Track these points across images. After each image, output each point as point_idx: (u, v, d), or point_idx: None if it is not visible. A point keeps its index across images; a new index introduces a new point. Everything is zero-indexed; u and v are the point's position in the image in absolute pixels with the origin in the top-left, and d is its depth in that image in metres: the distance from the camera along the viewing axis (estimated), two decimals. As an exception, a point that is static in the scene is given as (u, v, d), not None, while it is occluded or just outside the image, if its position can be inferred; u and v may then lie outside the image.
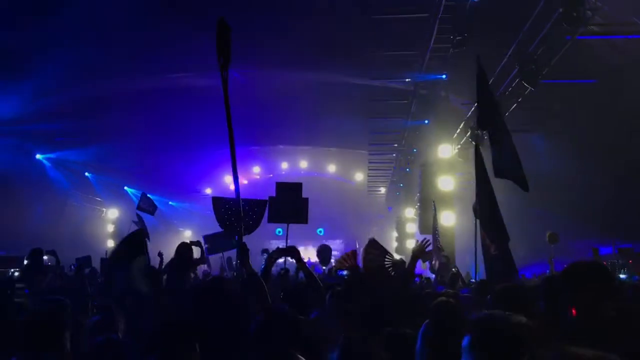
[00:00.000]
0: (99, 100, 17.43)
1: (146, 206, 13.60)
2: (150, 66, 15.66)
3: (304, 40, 14.19)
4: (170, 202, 31.30)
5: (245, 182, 29.74)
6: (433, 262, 12.08)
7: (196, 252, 8.02)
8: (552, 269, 11.74)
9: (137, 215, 13.51)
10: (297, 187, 8.10)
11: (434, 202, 12.79)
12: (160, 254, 8.71)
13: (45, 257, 9.06)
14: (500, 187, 6.30)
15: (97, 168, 24.77)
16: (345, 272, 8.98)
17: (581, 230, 14.27)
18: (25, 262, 8.58)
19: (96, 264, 12.35)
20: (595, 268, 3.01)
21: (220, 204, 7.14)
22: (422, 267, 15.72)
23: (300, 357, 2.70)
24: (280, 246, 5.72)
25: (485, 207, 5.78)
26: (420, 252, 5.42)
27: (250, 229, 7.33)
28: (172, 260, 7.46)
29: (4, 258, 13.63)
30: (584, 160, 13.42)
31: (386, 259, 5.92)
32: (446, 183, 15.33)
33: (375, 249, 6.12)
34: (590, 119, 12.43)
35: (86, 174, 25.11)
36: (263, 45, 14.18)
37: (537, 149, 15.47)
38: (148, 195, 14.25)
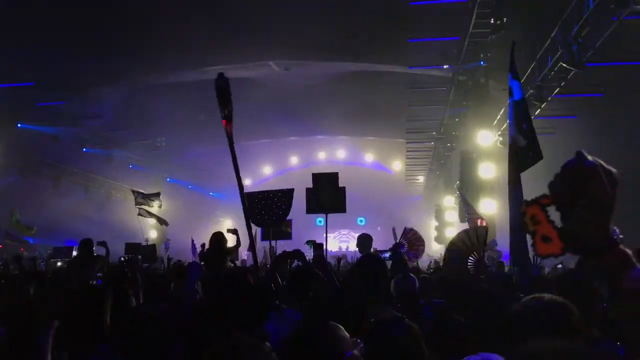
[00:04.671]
0: (142, 95, 17.83)
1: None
2: (188, 58, 15.87)
3: (342, 29, 14.11)
4: (211, 193, 32.01)
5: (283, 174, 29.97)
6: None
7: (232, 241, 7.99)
8: None
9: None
10: (333, 176, 8.02)
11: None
12: (202, 245, 8.97)
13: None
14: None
15: (140, 160, 25.46)
16: (388, 255, 8.95)
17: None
18: (75, 252, 8.83)
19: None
20: None
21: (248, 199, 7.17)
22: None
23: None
24: (314, 239, 5.71)
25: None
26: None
27: (280, 219, 7.32)
28: (207, 250, 7.50)
29: (58, 249, 14.11)
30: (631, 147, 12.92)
31: (470, 258, 4.98)
32: (487, 170, 15.06)
33: (470, 237, 5.12)
34: (636, 103, 11.98)
35: (130, 166, 25.82)
36: (300, 35, 14.18)
37: (578, 134, 14.97)
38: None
